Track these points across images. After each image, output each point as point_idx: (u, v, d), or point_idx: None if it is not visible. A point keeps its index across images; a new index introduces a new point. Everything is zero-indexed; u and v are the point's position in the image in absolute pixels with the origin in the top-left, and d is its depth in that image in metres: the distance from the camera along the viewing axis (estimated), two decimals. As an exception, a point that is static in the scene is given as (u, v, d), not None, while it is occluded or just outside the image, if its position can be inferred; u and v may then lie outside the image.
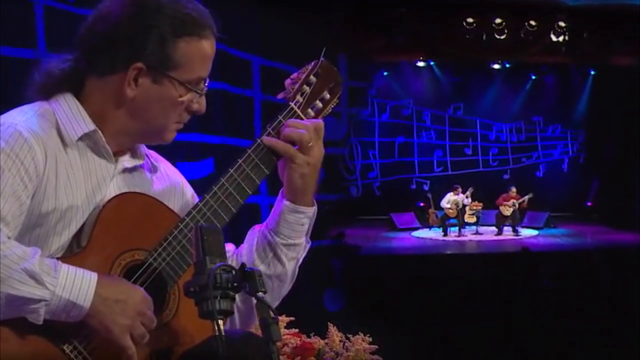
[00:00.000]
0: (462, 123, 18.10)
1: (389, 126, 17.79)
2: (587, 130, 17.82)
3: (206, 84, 1.77)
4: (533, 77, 17.37)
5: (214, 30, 1.75)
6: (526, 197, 15.07)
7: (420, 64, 16.32)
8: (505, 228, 14.99)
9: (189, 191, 1.95)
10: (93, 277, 1.55)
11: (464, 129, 18.09)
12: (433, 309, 6.60)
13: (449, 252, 12.96)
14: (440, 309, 6.61)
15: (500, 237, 14.54)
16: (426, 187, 17.59)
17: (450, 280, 8.11)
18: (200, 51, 1.72)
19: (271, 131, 1.80)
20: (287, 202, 1.83)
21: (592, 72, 16.78)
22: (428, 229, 15.71)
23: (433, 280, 8.08)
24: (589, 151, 17.84)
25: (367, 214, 16.42)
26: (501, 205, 14.95)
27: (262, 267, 1.82)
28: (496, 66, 16.11)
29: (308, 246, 1.90)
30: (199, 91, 1.75)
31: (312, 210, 1.85)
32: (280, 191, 1.85)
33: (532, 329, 6.19)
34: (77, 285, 1.52)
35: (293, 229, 1.82)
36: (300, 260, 1.88)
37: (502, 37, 13.08)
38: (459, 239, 14.43)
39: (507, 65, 16.08)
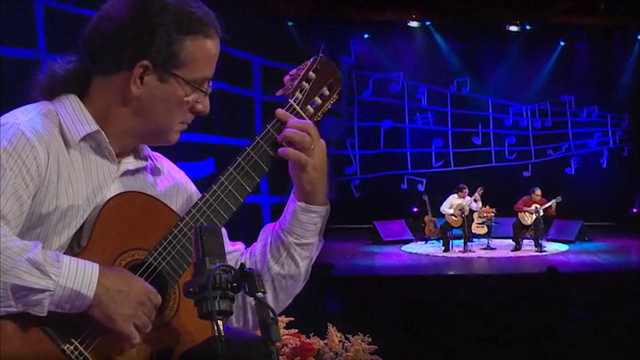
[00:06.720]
0: (469, 103, 18.40)
1: (372, 106, 18.14)
2: (633, 113, 18.24)
3: (210, 85, 2.38)
4: (562, 44, 17.75)
5: (218, 30, 2.33)
6: (553, 202, 15.45)
7: (413, 24, 16.64)
8: (526, 242, 15.54)
9: (193, 190, 2.58)
10: (95, 267, 2.09)
11: (471, 111, 18.41)
12: (428, 347, 6.91)
13: (451, 272, 13.43)
14: (437, 347, 6.90)
15: (519, 254, 15.04)
16: (421, 187, 18.12)
17: (452, 309, 8.49)
18: (206, 50, 2.29)
19: (271, 129, 2.41)
20: (299, 203, 2.44)
21: (640, 37, 17.35)
22: (424, 242, 16.26)
23: (429, 309, 8.48)
24: (636, 141, 18.29)
25: (342, 221, 16.50)
26: (520, 211, 15.37)
27: (276, 267, 2.48)
28: (514, 28, 16.53)
29: (321, 245, 2.55)
30: (204, 90, 2.33)
31: (324, 209, 2.48)
32: (292, 190, 2.49)
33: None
34: (80, 275, 2.04)
35: (306, 228, 2.46)
36: (314, 258, 2.54)
37: (522, -9, 13.61)
38: (465, 255, 14.95)
39: (528, 28, 16.53)
